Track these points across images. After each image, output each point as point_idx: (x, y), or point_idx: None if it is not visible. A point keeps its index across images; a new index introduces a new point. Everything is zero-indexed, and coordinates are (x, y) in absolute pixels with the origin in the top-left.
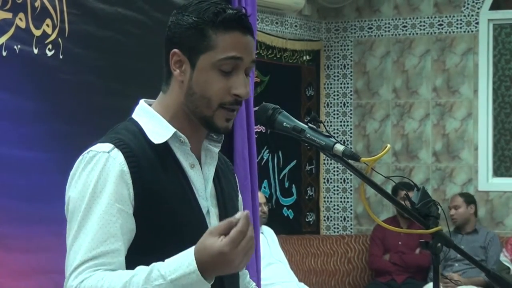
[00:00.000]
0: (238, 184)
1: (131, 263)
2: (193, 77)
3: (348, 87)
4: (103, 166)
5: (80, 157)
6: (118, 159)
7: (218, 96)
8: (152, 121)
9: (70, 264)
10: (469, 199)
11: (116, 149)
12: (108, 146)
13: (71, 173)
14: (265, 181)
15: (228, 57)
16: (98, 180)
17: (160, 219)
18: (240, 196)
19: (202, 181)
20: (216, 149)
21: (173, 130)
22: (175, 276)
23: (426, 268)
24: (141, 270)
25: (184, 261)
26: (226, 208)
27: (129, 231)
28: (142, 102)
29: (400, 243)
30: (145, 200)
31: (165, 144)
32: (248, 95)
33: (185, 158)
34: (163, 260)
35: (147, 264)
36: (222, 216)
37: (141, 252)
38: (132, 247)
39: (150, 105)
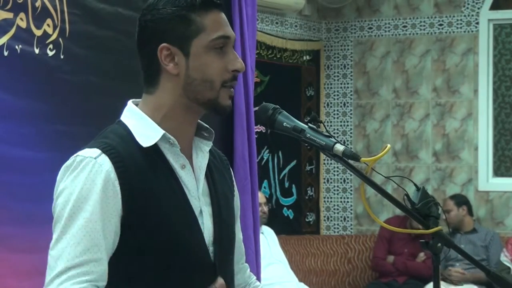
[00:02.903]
0: (234, 179)
1: (124, 267)
2: (190, 65)
3: (348, 87)
4: (88, 172)
5: (68, 161)
6: (105, 165)
7: (219, 76)
8: (141, 123)
9: (51, 268)
10: (460, 201)
11: (103, 155)
12: (95, 151)
13: (58, 177)
14: (265, 181)
15: (219, 36)
16: (83, 186)
17: (151, 223)
18: (236, 192)
19: (193, 181)
20: (207, 147)
21: (161, 132)
22: None
23: (428, 276)
24: None
25: None
26: (219, 206)
27: (112, 241)
28: (130, 103)
29: (406, 250)
30: (135, 204)
31: (155, 147)
32: (244, 68)
33: (175, 160)
34: (155, 265)
35: (140, 268)
36: (215, 214)
37: (133, 256)
38: (125, 252)
39: (137, 105)
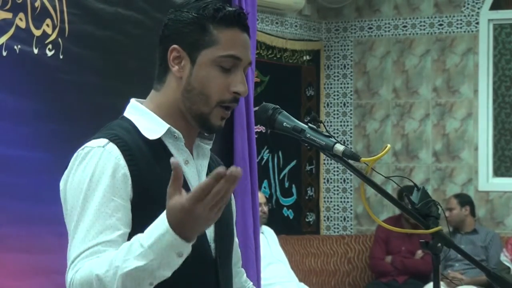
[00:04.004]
0: None
1: None
2: (193, 73)
3: (348, 87)
4: (98, 160)
5: (75, 153)
6: (113, 152)
7: (217, 94)
8: (145, 118)
9: (68, 258)
10: (464, 200)
11: (111, 143)
12: (103, 141)
13: (67, 170)
14: (265, 181)
15: (229, 55)
16: (94, 173)
17: (155, 215)
18: (232, 197)
19: (196, 177)
20: (207, 146)
21: (167, 126)
22: (151, 241)
23: (427, 273)
24: (124, 244)
25: (157, 225)
26: None
27: (128, 224)
28: (133, 100)
29: (403, 248)
30: (141, 193)
31: (159, 140)
32: (246, 92)
33: (179, 154)
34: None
35: None
36: None
37: None
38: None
39: (141, 103)
